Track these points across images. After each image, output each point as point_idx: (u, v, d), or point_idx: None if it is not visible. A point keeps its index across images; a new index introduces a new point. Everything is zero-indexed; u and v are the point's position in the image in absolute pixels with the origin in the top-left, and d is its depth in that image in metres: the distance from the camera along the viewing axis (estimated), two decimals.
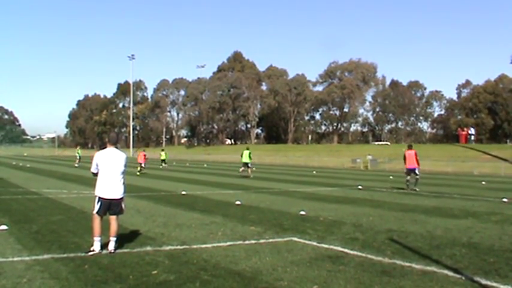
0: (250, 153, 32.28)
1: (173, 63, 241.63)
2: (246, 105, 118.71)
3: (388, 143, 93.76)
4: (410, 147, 23.52)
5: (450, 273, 6.97)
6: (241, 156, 32.35)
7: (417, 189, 22.11)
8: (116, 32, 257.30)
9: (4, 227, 10.13)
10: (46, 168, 40.83)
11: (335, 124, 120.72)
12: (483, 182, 30.13)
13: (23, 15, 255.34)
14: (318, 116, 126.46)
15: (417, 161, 22.80)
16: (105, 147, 8.50)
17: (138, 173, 32.51)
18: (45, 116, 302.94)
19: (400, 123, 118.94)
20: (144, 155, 35.66)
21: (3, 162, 50.81)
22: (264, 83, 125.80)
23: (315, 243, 9.12)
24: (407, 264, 7.50)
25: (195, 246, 8.64)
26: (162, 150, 52.49)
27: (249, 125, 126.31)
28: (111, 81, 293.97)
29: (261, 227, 11.02)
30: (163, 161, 47.55)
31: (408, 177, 22.87)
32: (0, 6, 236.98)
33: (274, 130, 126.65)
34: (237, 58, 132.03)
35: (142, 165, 34.97)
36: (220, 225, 11.12)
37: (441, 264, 7.51)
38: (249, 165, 32.39)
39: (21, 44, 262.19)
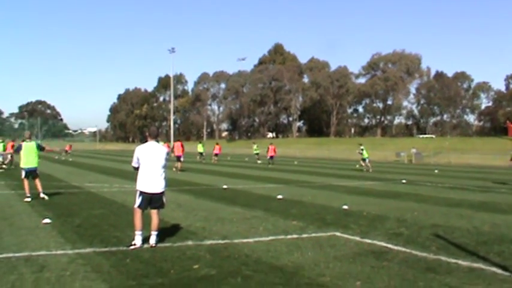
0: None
1: (214, 56, 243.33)
2: (288, 98, 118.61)
3: (433, 136, 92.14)
4: None
5: (498, 271, 6.74)
6: (362, 152, 33.34)
7: None
8: (156, 26, 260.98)
9: (48, 220, 10.31)
10: (88, 162, 41.61)
11: (378, 117, 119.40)
12: None
13: (64, 13, 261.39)
14: (360, 109, 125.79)
15: None
16: (146, 141, 8.53)
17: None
18: (86, 110, 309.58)
19: (445, 116, 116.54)
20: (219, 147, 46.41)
21: (46, 156, 52.02)
22: (305, 76, 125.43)
23: (358, 239, 8.97)
24: (453, 260, 7.30)
25: (236, 241, 8.61)
26: (200, 142, 52.40)
27: (290, 118, 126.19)
28: (152, 75, 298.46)
29: (303, 221, 10.91)
30: (201, 154, 47.09)
31: None
32: (42, 5, 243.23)
33: (316, 123, 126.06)
34: (278, 50, 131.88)
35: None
36: (261, 220, 11.06)
37: (489, 261, 7.27)
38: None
39: (63, 40, 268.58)
